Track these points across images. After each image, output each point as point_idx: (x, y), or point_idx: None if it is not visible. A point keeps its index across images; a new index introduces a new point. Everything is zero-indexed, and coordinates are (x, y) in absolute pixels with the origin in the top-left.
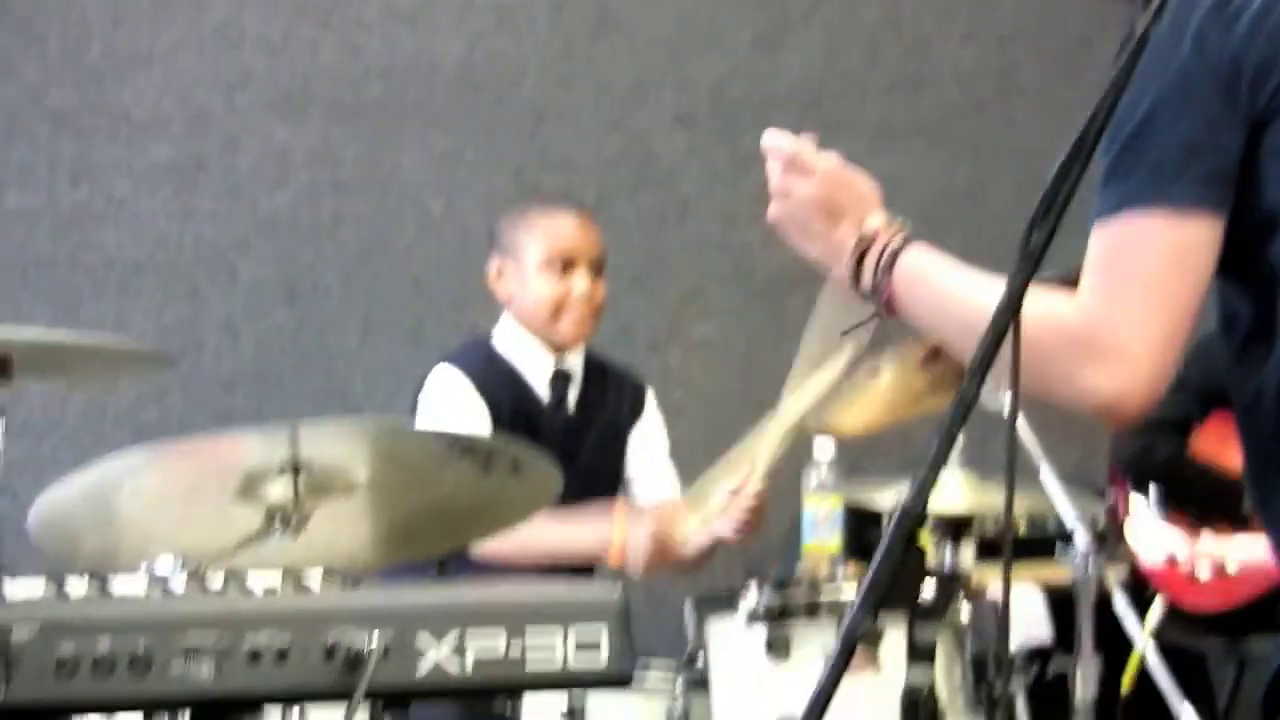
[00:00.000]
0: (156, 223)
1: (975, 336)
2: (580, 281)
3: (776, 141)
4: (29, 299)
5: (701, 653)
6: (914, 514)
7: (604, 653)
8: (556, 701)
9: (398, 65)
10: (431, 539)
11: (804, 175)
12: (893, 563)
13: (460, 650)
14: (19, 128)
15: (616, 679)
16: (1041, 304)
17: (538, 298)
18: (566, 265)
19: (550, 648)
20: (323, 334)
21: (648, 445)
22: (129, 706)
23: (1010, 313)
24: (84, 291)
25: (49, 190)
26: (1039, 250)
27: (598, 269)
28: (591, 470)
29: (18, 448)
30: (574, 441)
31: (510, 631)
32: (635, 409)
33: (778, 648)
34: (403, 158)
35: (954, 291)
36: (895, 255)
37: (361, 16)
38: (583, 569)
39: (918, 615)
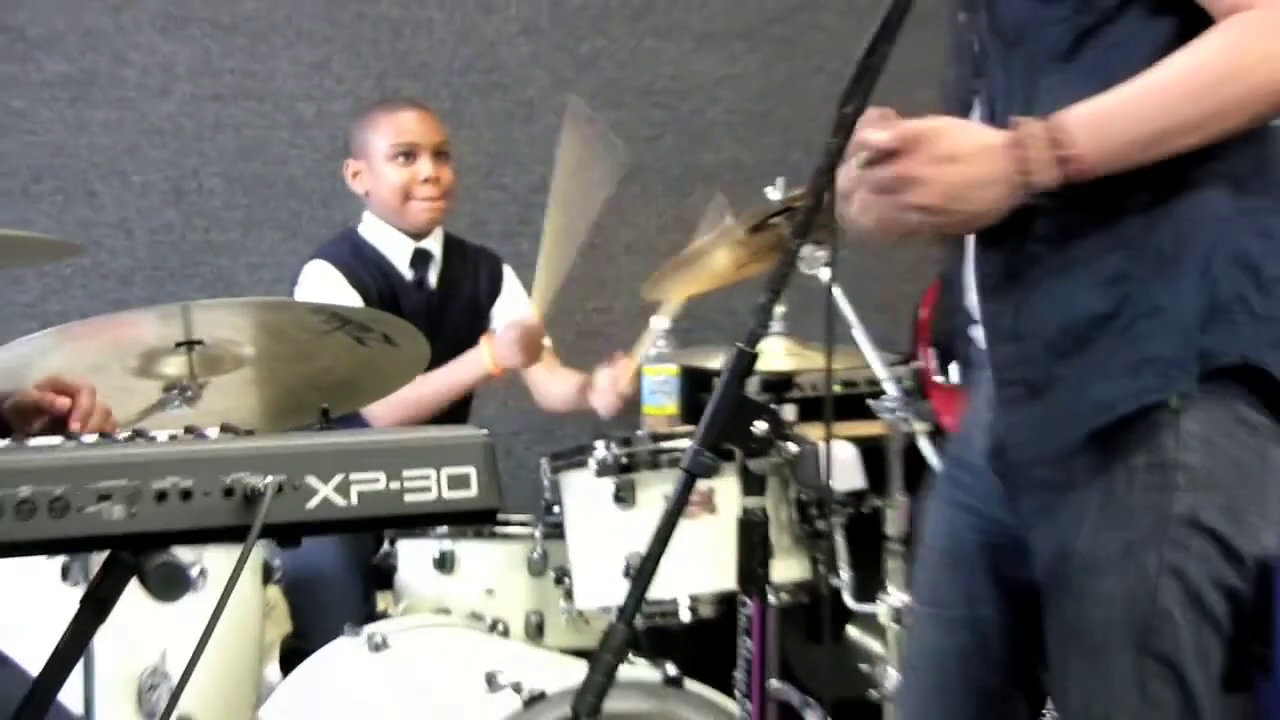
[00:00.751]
0: (53, 132)
1: (1195, 101)
2: (424, 166)
3: (872, 138)
4: None
5: (557, 504)
6: (747, 353)
7: (473, 488)
8: (430, 549)
9: None
10: (316, 406)
11: (914, 147)
12: (729, 398)
13: (345, 489)
14: None
15: (485, 510)
16: (1196, 55)
17: (389, 186)
18: (410, 155)
19: (425, 485)
20: (208, 230)
21: (511, 313)
22: (50, 546)
23: (827, 175)
24: None
25: None
26: (851, 120)
27: (439, 155)
28: (457, 339)
29: None
30: (438, 314)
31: (389, 471)
32: (495, 283)
33: (624, 496)
34: (276, 69)
35: (1140, 92)
36: (1054, 130)
37: None
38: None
39: (750, 451)
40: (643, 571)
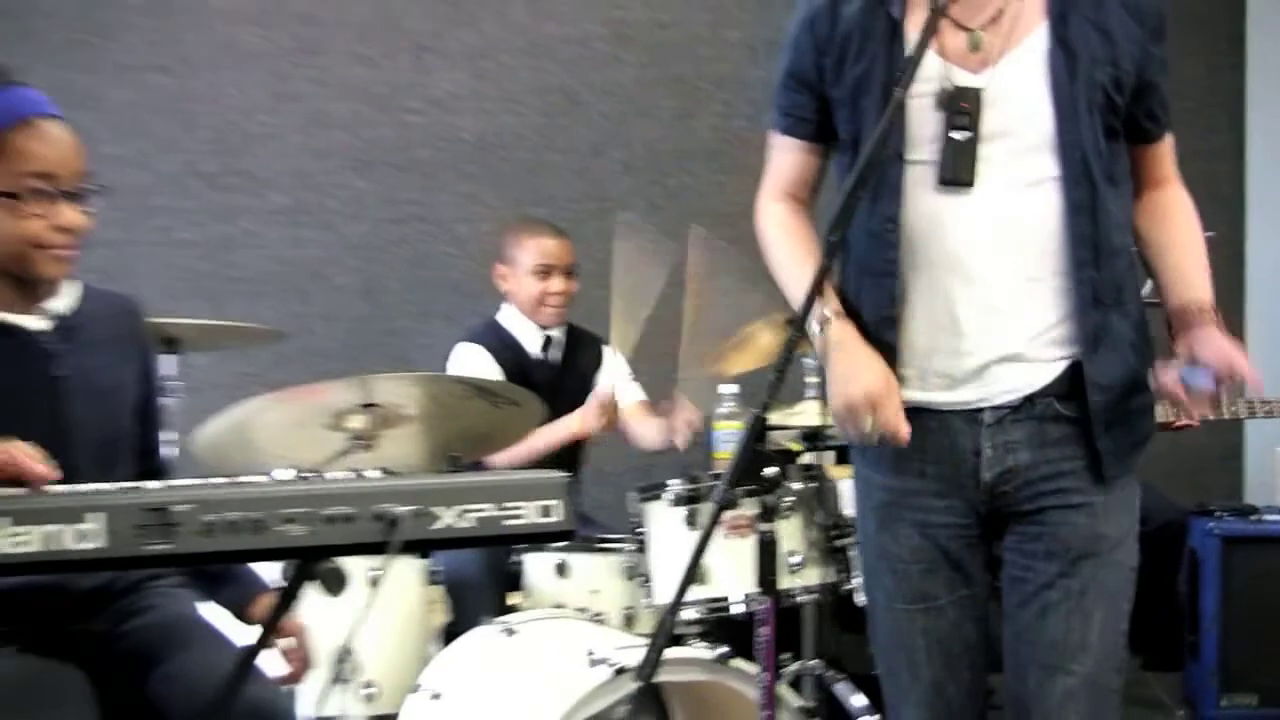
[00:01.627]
0: (276, 248)
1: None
2: (556, 283)
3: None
4: (193, 302)
5: (643, 526)
6: (760, 417)
7: (556, 515)
8: (549, 559)
9: (435, 136)
10: (461, 454)
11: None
12: (746, 450)
13: (462, 515)
14: (182, 187)
15: (566, 532)
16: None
17: (528, 294)
18: (547, 272)
19: (521, 512)
20: (390, 320)
21: (607, 381)
22: (250, 555)
23: (818, 284)
24: (228, 296)
25: (204, 227)
26: (835, 245)
27: (569, 273)
28: (573, 402)
29: (190, 400)
30: (557, 385)
31: (495, 502)
32: (597, 360)
33: (691, 521)
34: (440, 199)
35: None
36: None
37: (409, 104)
38: (571, 465)
39: (763, 489)
40: (684, 577)
